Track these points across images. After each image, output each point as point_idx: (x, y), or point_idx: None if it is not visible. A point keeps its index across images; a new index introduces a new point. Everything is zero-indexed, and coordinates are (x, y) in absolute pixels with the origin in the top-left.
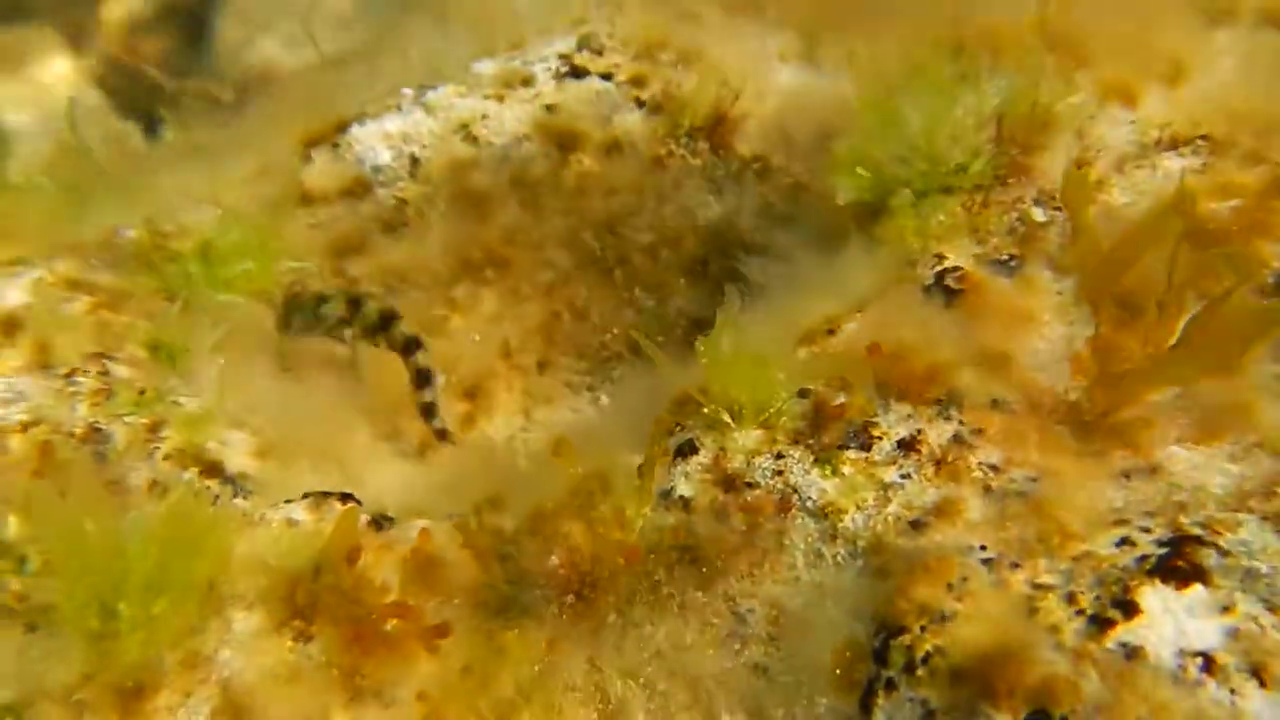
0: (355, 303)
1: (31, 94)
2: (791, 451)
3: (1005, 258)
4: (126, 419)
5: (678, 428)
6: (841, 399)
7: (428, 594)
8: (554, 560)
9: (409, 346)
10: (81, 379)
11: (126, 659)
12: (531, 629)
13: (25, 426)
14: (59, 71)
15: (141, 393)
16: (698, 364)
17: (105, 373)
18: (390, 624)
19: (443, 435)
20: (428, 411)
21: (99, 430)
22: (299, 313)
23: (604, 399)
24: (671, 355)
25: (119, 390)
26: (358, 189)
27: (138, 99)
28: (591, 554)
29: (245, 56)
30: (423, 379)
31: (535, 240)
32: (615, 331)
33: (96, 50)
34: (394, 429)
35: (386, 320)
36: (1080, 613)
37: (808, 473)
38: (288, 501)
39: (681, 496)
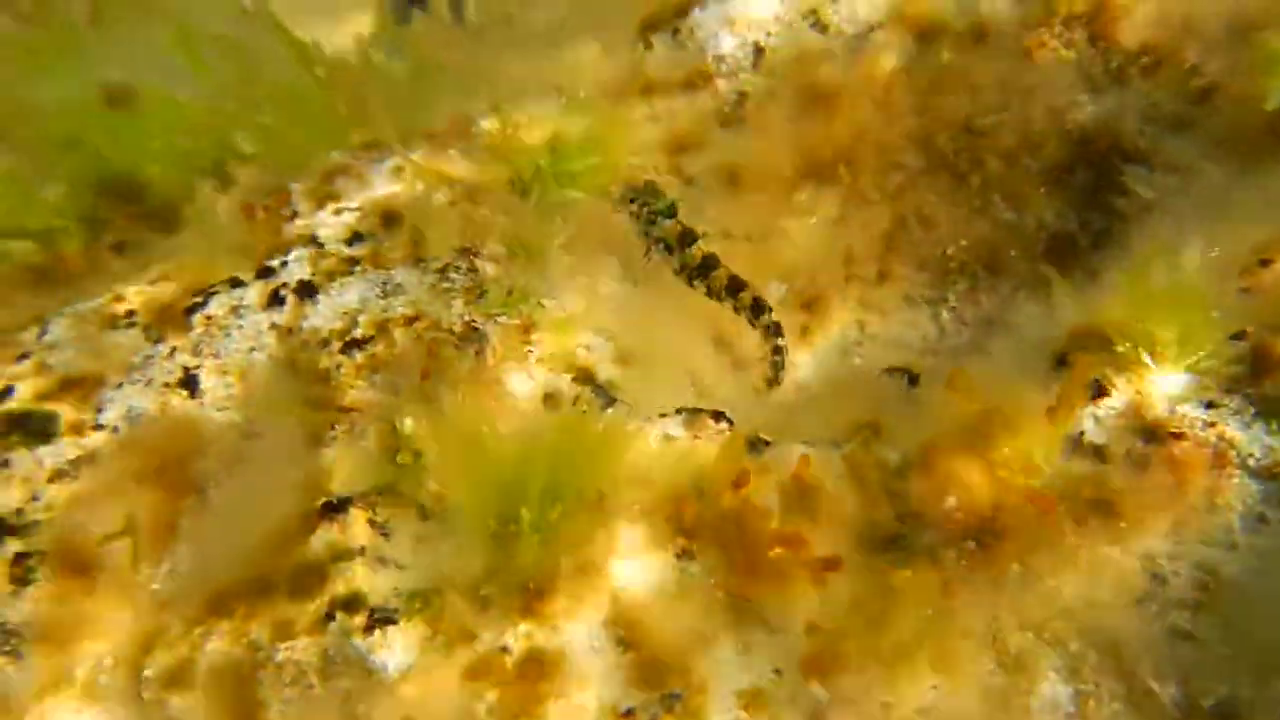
0: (685, 239)
1: None
2: (1225, 401)
3: None
4: (499, 319)
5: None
6: None
7: (810, 523)
8: (951, 502)
9: (732, 289)
10: (454, 275)
11: (525, 561)
12: (926, 571)
13: (408, 320)
14: None
15: (509, 292)
16: (1089, 291)
17: (474, 269)
18: (775, 551)
19: (772, 383)
20: (776, 366)
21: (476, 329)
22: (633, 207)
23: (944, 315)
24: (1029, 273)
25: (489, 288)
26: (698, 79)
27: None
28: (992, 498)
29: None
30: (774, 331)
31: (884, 140)
32: (963, 242)
33: None
34: (727, 335)
35: (707, 265)
36: None
37: (1248, 426)
38: (662, 416)
39: (1093, 443)
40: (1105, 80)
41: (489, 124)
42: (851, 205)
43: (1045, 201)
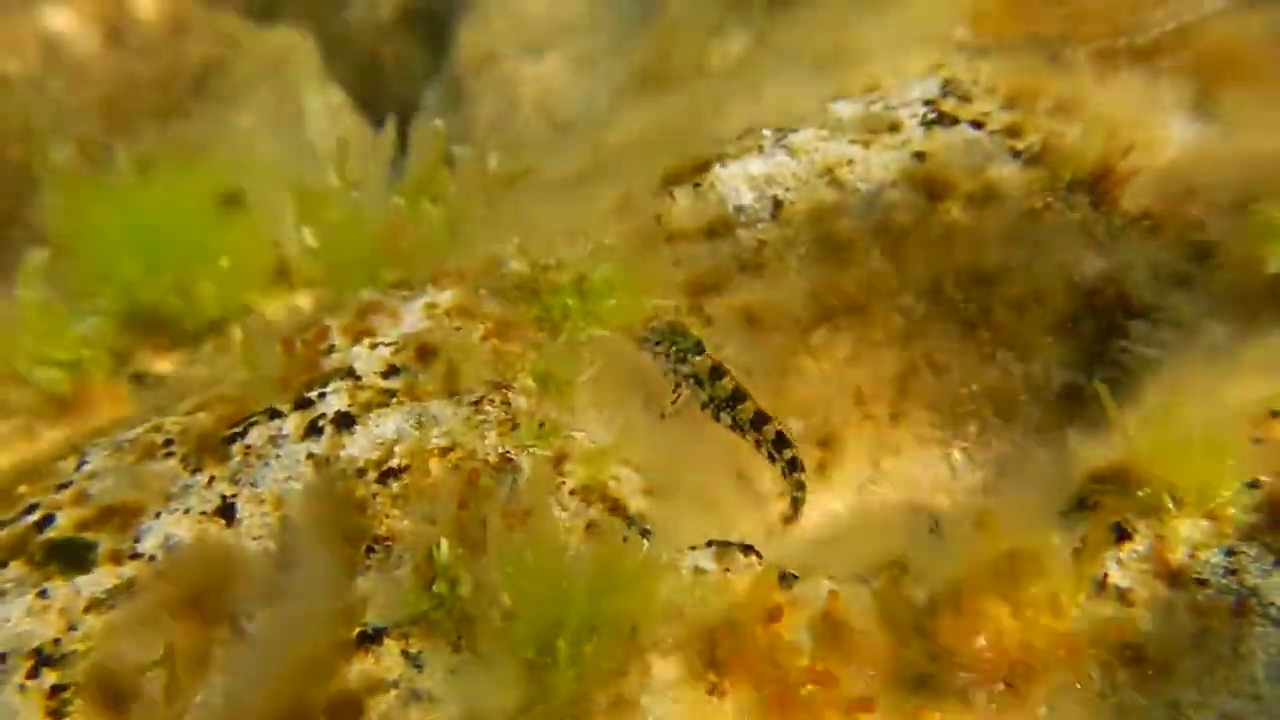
0: (715, 373)
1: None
2: (1245, 548)
3: None
4: (532, 450)
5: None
6: None
7: (840, 661)
8: (981, 642)
9: (757, 423)
10: (489, 408)
11: (560, 695)
12: (957, 713)
13: (443, 451)
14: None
15: (541, 425)
16: (1100, 435)
17: (507, 402)
18: (807, 689)
19: (790, 519)
20: (796, 501)
21: (510, 460)
22: (660, 347)
23: (956, 455)
24: (1039, 417)
25: (522, 420)
26: (719, 228)
27: (377, 100)
28: (1021, 640)
29: (485, 65)
30: (793, 466)
31: (897, 289)
32: (974, 387)
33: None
34: (749, 470)
35: (736, 398)
36: None
37: (1268, 575)
38: (693, 548)
39: (1117, 587)
40: (1109, 239)
41: (518, 265)
42: (864, 348)
43: (1053, 349)
